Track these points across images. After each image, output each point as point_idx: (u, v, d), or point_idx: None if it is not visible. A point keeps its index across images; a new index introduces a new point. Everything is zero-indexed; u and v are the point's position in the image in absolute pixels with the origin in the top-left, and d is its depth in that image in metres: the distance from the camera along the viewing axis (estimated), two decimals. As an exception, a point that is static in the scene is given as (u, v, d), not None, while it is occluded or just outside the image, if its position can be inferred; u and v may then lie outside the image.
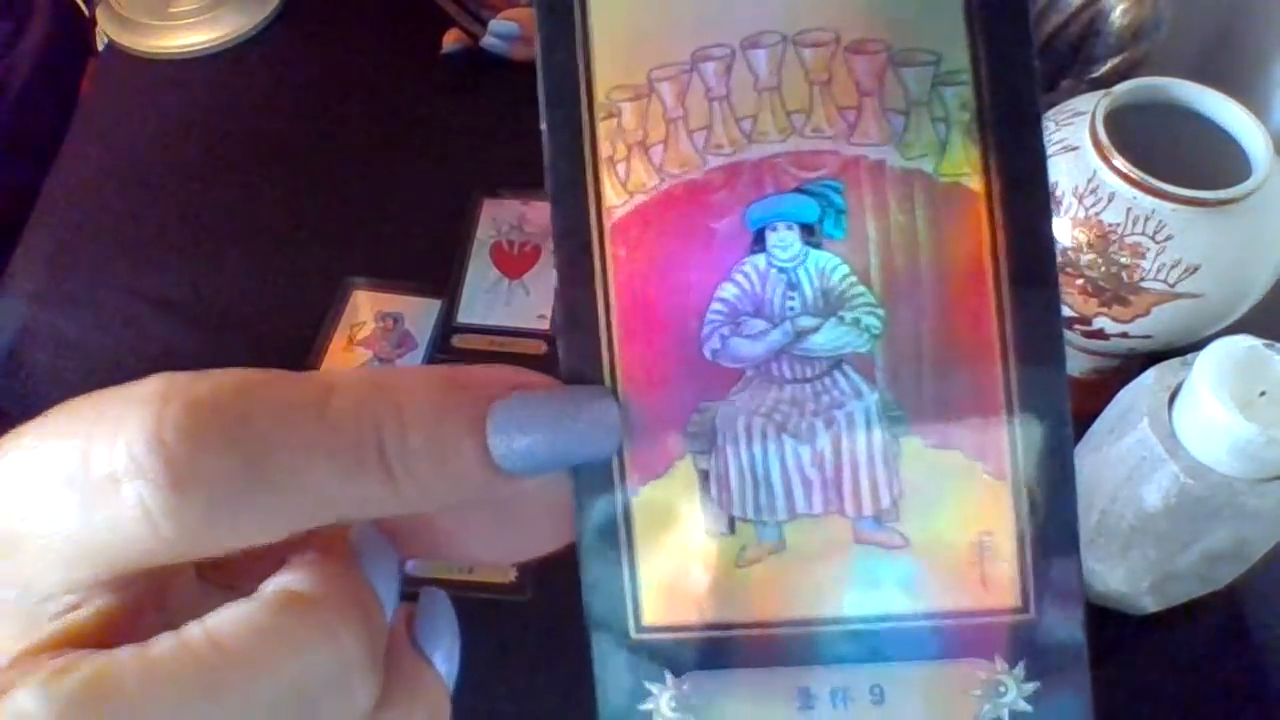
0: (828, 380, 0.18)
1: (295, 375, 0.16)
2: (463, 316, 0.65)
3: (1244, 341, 0.42)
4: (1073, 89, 0.62)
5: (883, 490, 0.17)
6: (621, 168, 0.18)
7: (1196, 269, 0.48)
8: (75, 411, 0.16)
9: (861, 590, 0.18)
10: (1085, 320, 0.52)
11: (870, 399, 0.17)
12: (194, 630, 0.15)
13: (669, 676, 0.18)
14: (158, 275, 0.67)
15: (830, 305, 0.18)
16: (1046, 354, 0.17)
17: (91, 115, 0.78)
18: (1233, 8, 0.73)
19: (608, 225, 0.18)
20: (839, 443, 0.18)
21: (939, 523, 0.17)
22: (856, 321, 0.17)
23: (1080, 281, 0.51)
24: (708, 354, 0.18)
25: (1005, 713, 0.17)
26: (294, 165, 0.73)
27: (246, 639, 0.15)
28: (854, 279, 0.17)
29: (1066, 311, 0.52)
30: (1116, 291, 0.50)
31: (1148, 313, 0.50)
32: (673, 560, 0.18)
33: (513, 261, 0.67)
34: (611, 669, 0.18)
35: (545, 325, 0.64)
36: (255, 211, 0.71)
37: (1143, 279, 0.49)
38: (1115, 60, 0.61)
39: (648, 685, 0.18)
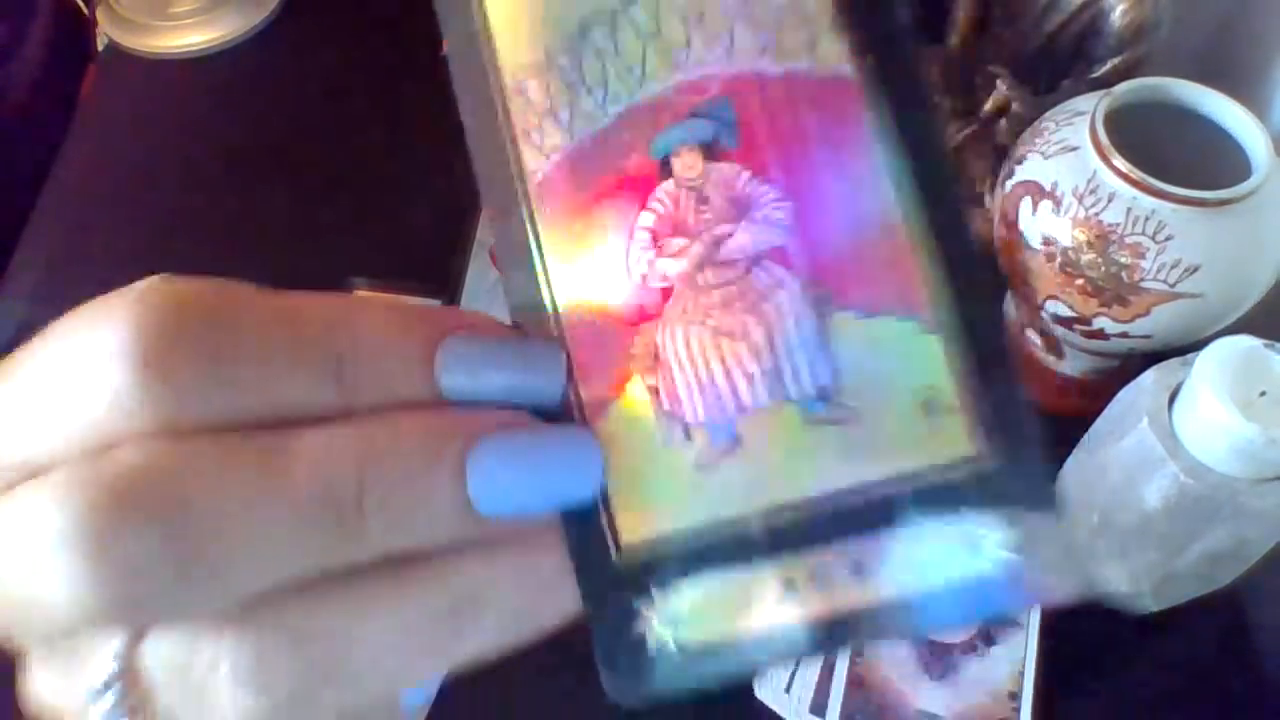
0: (750, 277, 0.19)
1: (273, 290, 0.17)
2: (463, 317, 0.64)
3: (1244, 341, 0.42)
4: (1073, 89, 0.62)
5: (821, 368, 0.18)
6: (535, 135, 0.19)
7: (1196, 269, 0.48)
8: (79, 309, 0.17)
9: (821, 469, 0.18)
10: (1085, 320, 0.52)
11: (792, 285, 0.18)
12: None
13: (655, 591, 0.18)
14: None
15: (740, 210, 0.19)
16: (946, 205, 0.18)
17: (91, 115, 0.78)
18: (1233, 8, 0.73)
19: (532, 188, 0.19)
20: (772, 332, 0.18)
21: (882, 388, 0.18)
22: (766, 219, 0.19)
23: (1080, 281, 0.51)
24: (637, 279, 0.19)
25: (988, 565, 0.18)
26: (294, 165, 0.74)
27: None
28: (756, 181, 0.19)
29: (1066, 311, 0.53)
30: (1116, 291, 0.50)
31: (1148, 313, 0.50)
32: (639, 478, 0.19)
33: (513, 261, 0.67)
34: (599, 598, 0.18)
35: (545, 325, 0.64)
36: (255, 211, 0.71)
37: (1143, 279, 0.49)
38: (1115, 60, 0.61)
39: (637, 605, 0.18)
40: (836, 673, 0.49)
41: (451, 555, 0.17)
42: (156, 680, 0.16)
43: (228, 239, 0.69)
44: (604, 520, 0.18)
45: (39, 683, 0.18)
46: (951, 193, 0.18)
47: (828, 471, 0.18)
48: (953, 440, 0.18)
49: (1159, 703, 0.51)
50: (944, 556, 0.18)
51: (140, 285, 0.17)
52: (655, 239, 0.19)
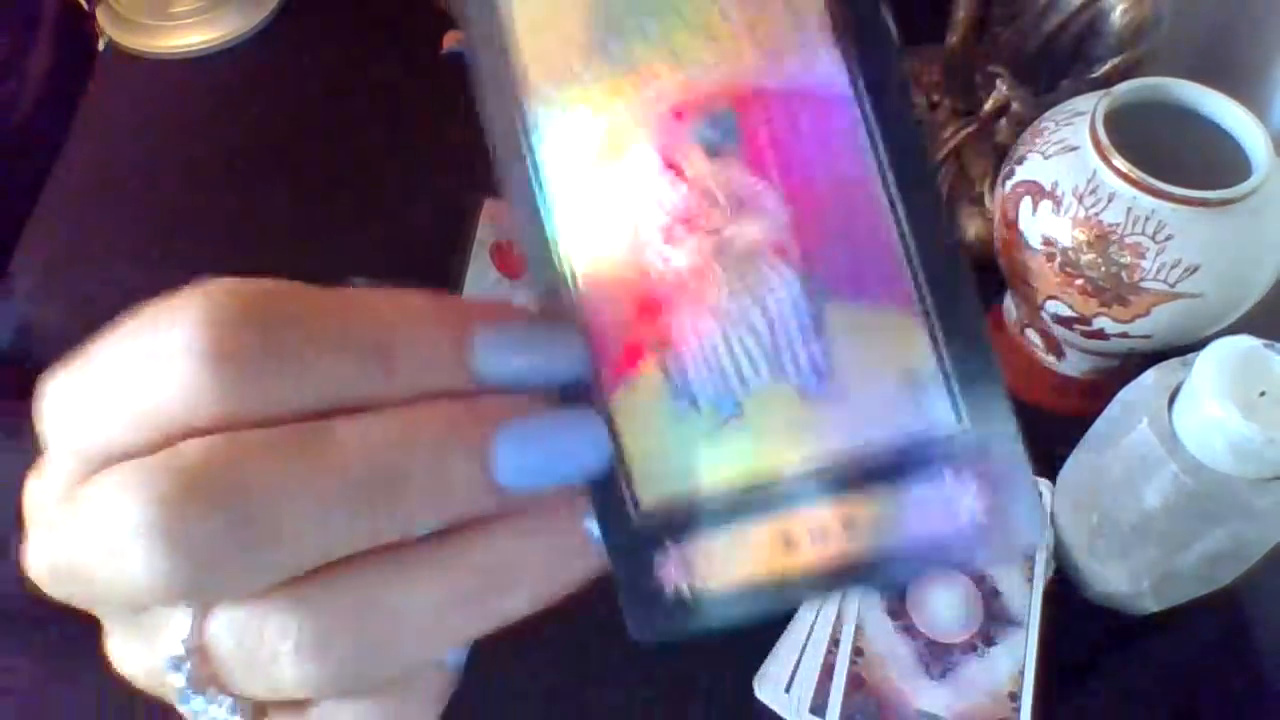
0: (753, 269, 0.21)
1: (327, 289, 0.19)
2: (463, 316, 0.64)
3: (1244, 341, 0.42)
4: (1073, 89, 0.62)
5: (816, 351, 0.20)
6: (555, 139, 0.21)
7: (1196, 269, 0.48)
8: (153, 307, 0.19)
9: (815, 439, 0.20)
10: (1085, 320, 0.52)
11: (791, 276, 0.21)
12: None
13: (670, 544, 0.21)
14: (158, 275, 0.66)
15: (743, 208, 0.21)
16: (927, 205, 0.20)
17: (91, 115, 0.78)
18: (1233, 8, 0.73)
19: (551, 187, 0.21)
20: (772, 319, 0.21)
21: (870, 366, 0.20)
22: (767, 216, 0.21)
23: (1080, 281, 0.51)
24: (650, 268, 0.21)
25: (963, 519, 0.20)
26: (294, 165, 0.74)
27: None
28: (757, 180, 0.21)
29: (1066, 311, 0.53)
30: (1116, 291, 0.50)
31: (1148, 313, 0.50)
32: (654, 447, 0.21)
33: (513, 262, 0.67)
34: (621, 550, 0.21)
35: (545, 325, 0.64)
36: (255, 211, 0.71)
37: (1143, 279, 0.49)
38: (1115, 60, 0.61)
39: (655, 557, 0.21)
40: (836, 673, 0.49)
41: (485, 531, 0.19)
42: (224, 656, 0.18)
43: (228, 238, 0.69)
44: (624, 483, 0.21)
45: (116, 649, 0.20)
46: (931, 195, 0.20)
47: (821, 441, 0.20)
48: (934, 411, 0.20)
49: (1159, 703, 0.51)
50: (924, 514, 0.20)
51: (203, 286, 0.18)
52: (666, 232, 0.21)
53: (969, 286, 0.20)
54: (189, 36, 0.80)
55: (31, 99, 0.78)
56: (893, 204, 0.20)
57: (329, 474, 0.18)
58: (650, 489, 0.21)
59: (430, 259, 0.67)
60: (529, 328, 0.20)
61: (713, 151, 0.21)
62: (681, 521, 0.21)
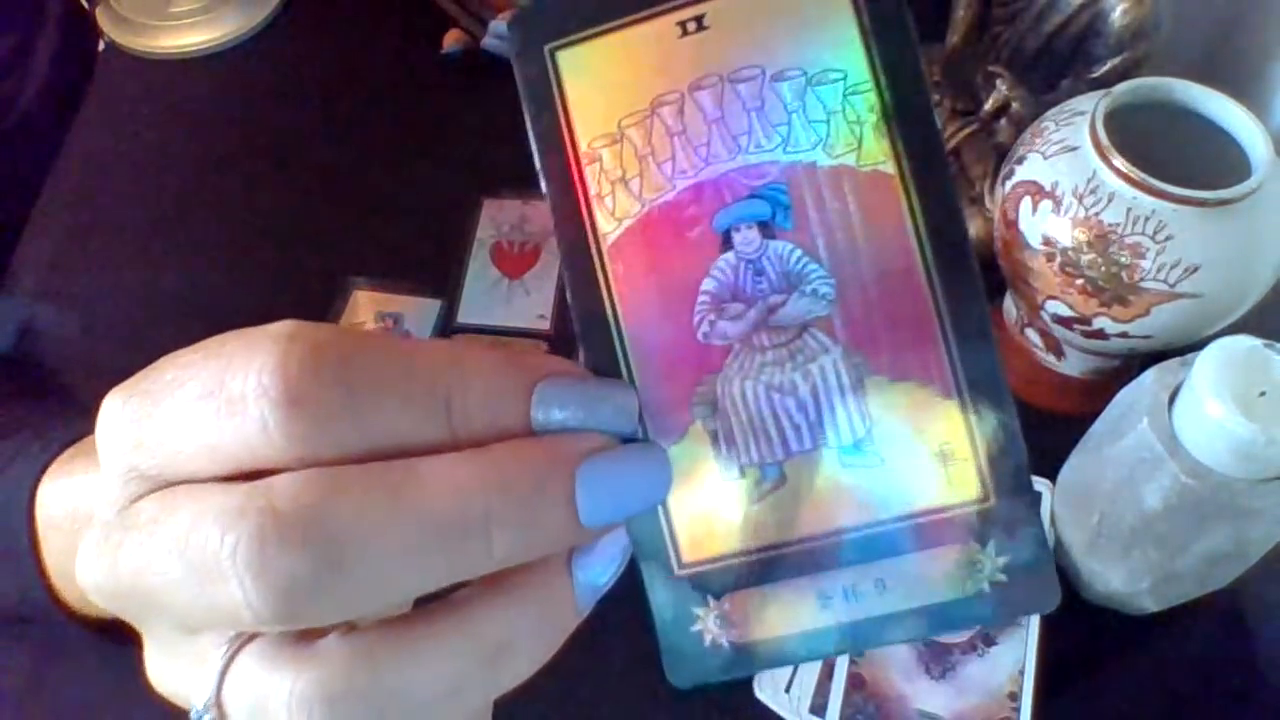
0: (799, 342, 0.21)
1: (392, 335, 0.19)
2: (463, 316, 0.64)
3: (1244, 341, 0.42)
4: (1073, 89, 0.62)
5: (856, 422, 0.21)
6: (609, 200, 0.22)
7: (1196, 269, 0.48)
8: (221, 342, 0.19)
9: (853, 505, 0.21)
10: (1085, 320, 0.52)
11: (835, 351, 0.21)
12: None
13: (710, 600, 0.22)
14: (157, 275, 0.67)
15: (791, 282, 0.21)
16: (966, 290, 0.21)
17: (91, 115, 0.78)
18: (1233, 8, 0.73)
19: (605, 248, 0.22)
20: (816, 390, 0.21)
21: (906, 440, 0.21)
22: (814, 292, 0.21)
23: (1080, 281, 0.51)
24: (700, 337, 0.22)
25: (985, 584, 0.21)
26: (294, 165, 0.73)
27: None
28: (807, 259, 0.21)
29: (1066, 311, 0.53)
30: (1116, 291, 0.50)
31: (1148, 313, 0.50)
32: (699, 508, 0.22)
33: (513, 261, 0.67)
34: (662, 601, 0.22)
35: (545, 325, 0.64)
36: (255, 211, 0.71)
37: (1143, 279, 0.49)
38: (1115, 60, 0.61)
39: (694, 610, 0.22)
40: (836, 673, 0.49)
41: (483, 601, 0.20)
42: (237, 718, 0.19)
43: (228, 239, 0.69)
44: (668, 541, 0.22)
45: (152, 664, 0.21)
46: (970, 278, 0.21)
47: (858, 507, 0.21)
48: (964, 485, 0.21)
49: (1159, 703, 0.51)
50: (950, 577, 0.21)
51: (276, 329, 0.19)
52: (716, 303, 0.22)
53: (1000, 366, 0.21)
54: (189, 36, 0.80)
55: (32, 98, 0.78)
56: (932, 284, 0.21)
57: (416, 509, 0.18)
58: (693, 549, 0.22)
59: (430, 259, 0.67)
60: (588, 382, 0.21)
61: (764, 225, 0.21)
62: (721, 579, 0.22)
